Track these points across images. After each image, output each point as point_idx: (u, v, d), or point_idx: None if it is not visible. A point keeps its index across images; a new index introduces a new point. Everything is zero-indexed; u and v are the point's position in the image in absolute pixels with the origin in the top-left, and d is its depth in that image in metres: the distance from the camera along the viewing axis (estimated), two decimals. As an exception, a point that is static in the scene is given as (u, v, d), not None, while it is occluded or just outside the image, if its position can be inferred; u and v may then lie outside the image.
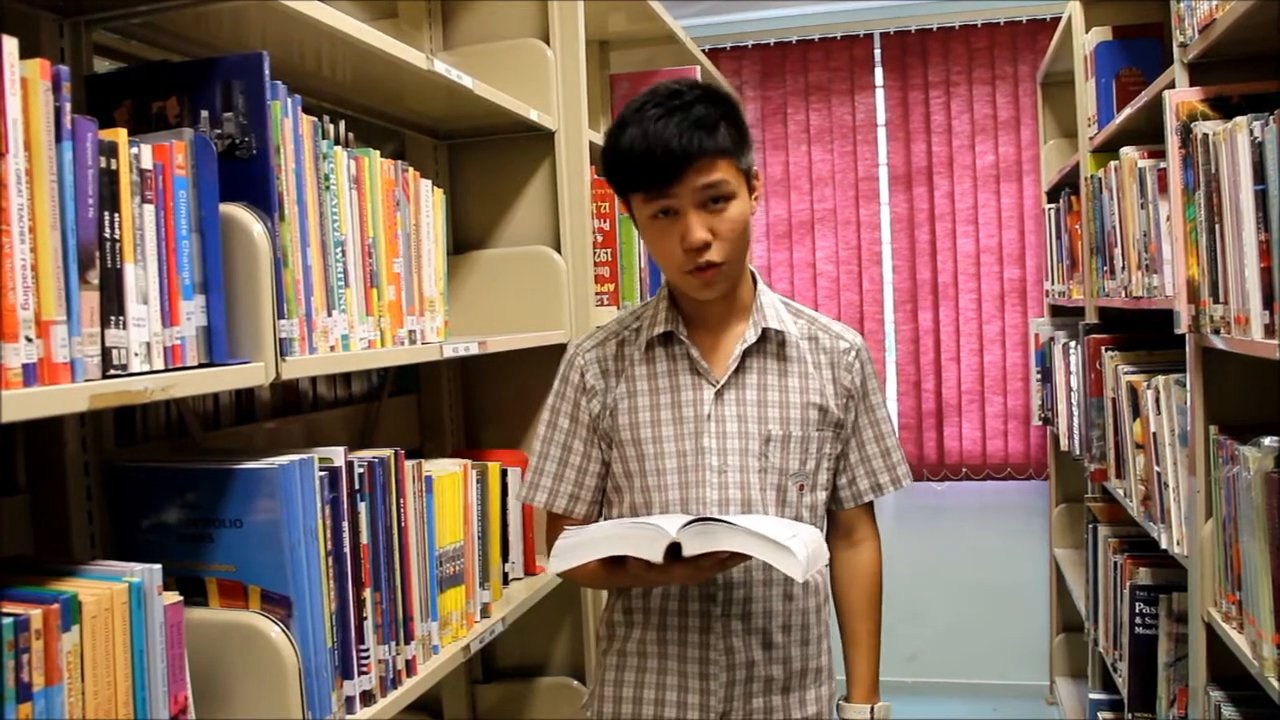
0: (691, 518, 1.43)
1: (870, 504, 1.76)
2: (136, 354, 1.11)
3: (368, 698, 1.46)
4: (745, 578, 1.63)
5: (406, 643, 1.57)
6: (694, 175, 1.51)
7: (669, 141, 1.50)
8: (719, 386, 1.63)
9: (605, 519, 1.72)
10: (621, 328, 1.72)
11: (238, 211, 1.26)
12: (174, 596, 1.16)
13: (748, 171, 1.59)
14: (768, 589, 1.64)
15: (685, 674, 1.64)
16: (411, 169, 1.69)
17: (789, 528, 1.46)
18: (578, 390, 1.69)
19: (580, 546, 1.46)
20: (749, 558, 1.45)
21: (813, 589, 1.69)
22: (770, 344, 1.66)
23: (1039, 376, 3.95)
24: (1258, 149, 1.52)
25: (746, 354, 1.64)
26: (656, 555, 1.39)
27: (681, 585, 1.62)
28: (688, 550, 1.40)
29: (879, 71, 4.36)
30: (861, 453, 1.72)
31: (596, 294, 2.36)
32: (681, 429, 1.63)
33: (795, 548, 1.37)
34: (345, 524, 1.41)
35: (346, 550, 1.41)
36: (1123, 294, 2.50)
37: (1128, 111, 2.46)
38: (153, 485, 1.36)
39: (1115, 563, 2.72)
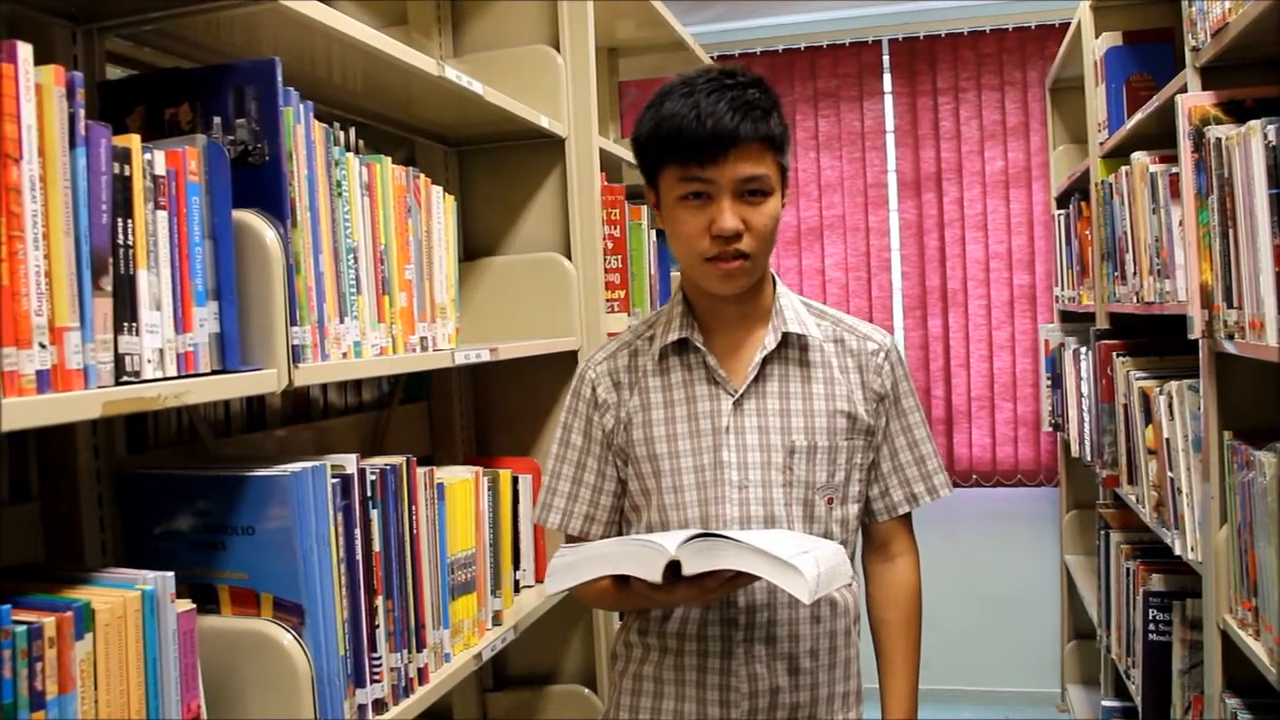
0: (692, 533, 1.35)
1: (907, 516, 1.65)
2: (149, 361, 1.10)
3: (380, 706, 1.46)
4: (769, 599, 1.53)
5: (418, 650, 1.57)
6: (738, 160, 1.44)
7: (721, 117, 1.42)
8: (737, 396, 1.54)
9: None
10: (634, 337, 1.64)
11: (250, 218, 1.25)
12: (186, 604, 1.16)
13: (785, 171, 1.52)
14: (793, 610, 1.54)
15: (704, 701, 1.55)
16: (423, 175, 1.69)
17: (801, 544, 1.38)
18: (589, 405, 1.62)
19: (576, 566, 1.38)
20: (757, 577, 1.35)
21: (842, 609, 1.59)
22: (792, 349, 1.57)
23: (1049, 382, 3.94)
24: (1272, 152, 1.51)
25: (766, 361, 1.56)
26: (655, 574, 1.31)
27: (701, 608, 1.53)
28: (687, 569, 1.32)
29: (888, 78, 4.36)
30: (894, 461, 1.62)
31: (607, 301, 2.36)
32: (699, 442, 1.54)
33: (804, 566, 1.27)
34: (357, 531, 1.41)
35: (359, 558, 1.41)
36: (1134, 299, 2.49)
37: (1139, 116, 2.45)
38: (164, 492, 1.35)
39: (1128, 569, 2.71)
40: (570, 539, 1.65)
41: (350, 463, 1.40)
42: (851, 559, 1.59)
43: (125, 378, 1.07)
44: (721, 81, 1.46)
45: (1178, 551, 2.15)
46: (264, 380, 1.25)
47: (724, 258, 1.48)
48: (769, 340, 1.56)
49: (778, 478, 1.53)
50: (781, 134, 1.50)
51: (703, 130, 1.43)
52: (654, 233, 2.67)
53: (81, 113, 1.01)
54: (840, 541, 1.56)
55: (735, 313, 1.58)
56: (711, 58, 3.41)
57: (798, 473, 1.54)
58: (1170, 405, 2.17)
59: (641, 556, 1.33)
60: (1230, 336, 1.71)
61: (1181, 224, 1.99)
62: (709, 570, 1.33)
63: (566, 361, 2.21)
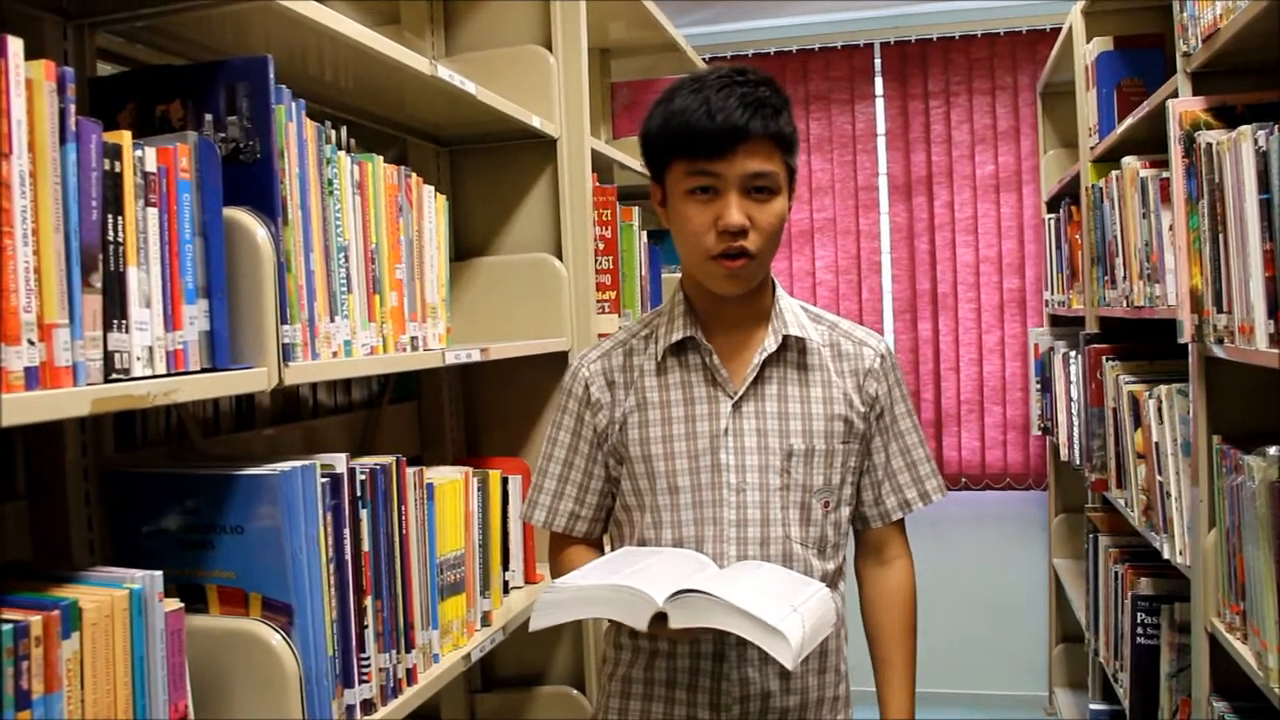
0: (679, 589, 1.31)
1: (900, 521, 1.65)
2: (139, 358, 1.10)
3: (368, 706, 1.45)
4: None
5: (407, 651, 1.56)
6: (746, 157, 1.43)
7: (731, 112, 1.42)
8: (737, 398, 1.52)
9: (616, 539, 1.65)
10: (630, 336, 1.62)
11: (241, 215, 1.25)
12: (175, 603, 1.15)
13: (793, 172, 1.52)
14: None
15: (695, 704, 1.53)
16: (414, 175, 1.68)
17: (791, 596, 1.34)
18: (581, 404, 1.60)
19: (563, 605, 1.37)
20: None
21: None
22: (791, 352, 1.56)
23: (1038, 386, 3.95)
24: (1262, 158, 1.52)
25: (766, 363, 1.54)
26: (640, 624, 1.30)
27: None
28: (674, 623, 1.30)
29: (879, 81, 4.37)
30: (889, 467, 1.61)
31: (598, 301, 2.36)
32: (696, 444, 1.52)
33: (789, 629, 1.25)
34: (347, 531, 1.40)
35: (348, 558, 1.40)
36: (1124, 303, 2.50)
37: (1130, 121, 2.46)
38: (153, 491, 1.35)
39: (1116, 573, 2.71)
40: (556, 536, 1.65)
41: (340, 462, 1.39)
42: (843, 563, 1.60)
43: (114, 375, 1.06)
44: (732, 79, 1.46)
45: (1166, 555, 2.15)
46: (254, 379, 1.24)
47: (729, 255, 1.46)
48: (769, 342, 1.55)
49: (775, 481, 1.52)
50: (791, 134, 1.50)
51: (712, 125, 1.42)
52: (645, 234, 2.67)
53: (72, 108, 1.00)
54: (833, 545, 1.57)
55: (736, 314, 1.56)
56: (703, 59, 3.42)
57: (795, 476, 1.53)
58: (1159, 409, 2.18)
59: (628, 604, 1.32)
60: (1220, 341, 1.72)
61: (1172, 228, 2.00)
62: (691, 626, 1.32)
63: (557, 362, 2.21)
